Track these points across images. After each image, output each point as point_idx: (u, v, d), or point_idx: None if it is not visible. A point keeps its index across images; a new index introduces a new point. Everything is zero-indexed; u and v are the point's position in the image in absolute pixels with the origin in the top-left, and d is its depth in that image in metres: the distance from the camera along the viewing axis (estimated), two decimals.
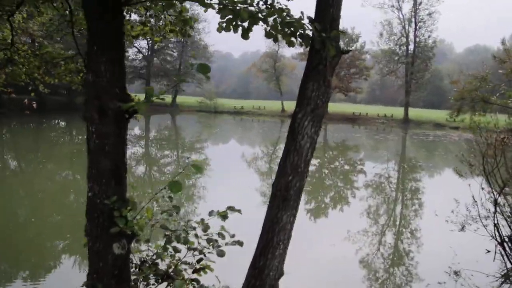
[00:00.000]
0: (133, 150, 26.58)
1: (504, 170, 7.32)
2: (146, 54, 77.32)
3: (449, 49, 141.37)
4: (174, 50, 79.87)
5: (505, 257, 7.63)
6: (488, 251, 8.25)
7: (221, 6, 3.18)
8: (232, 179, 17.67)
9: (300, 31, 3.48)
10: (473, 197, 7.75)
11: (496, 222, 7.41)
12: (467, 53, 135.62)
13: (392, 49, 63.72)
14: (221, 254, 4.04)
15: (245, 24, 3.32)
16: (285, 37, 3.45)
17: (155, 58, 79.03)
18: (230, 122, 57.43)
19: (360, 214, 12.69)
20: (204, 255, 4.07)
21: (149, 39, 73.93)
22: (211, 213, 4.11)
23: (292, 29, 3.43)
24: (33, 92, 7.63)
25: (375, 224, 11.94)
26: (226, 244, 4.13)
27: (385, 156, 30.01)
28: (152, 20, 6.02)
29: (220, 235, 4.13)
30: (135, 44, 75.33)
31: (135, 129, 41.86)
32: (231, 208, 4.09)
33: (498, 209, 7.34)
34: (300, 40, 3.58)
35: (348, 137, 42.73)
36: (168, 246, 3.95)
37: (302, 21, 3.47)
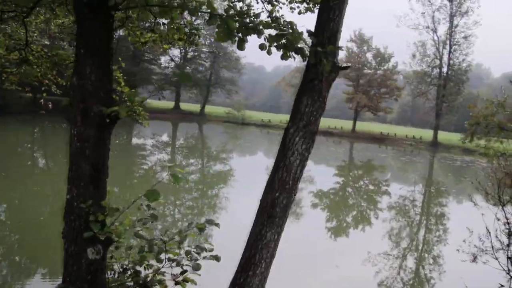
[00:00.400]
0: (159, 156, 26.86)
1: None
2: (179, 62, 78.33)
3: (486, 74, 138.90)
4: (206, 60, 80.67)
5: None
6: (502, 286, 7.86)
7: (210, 15, 3.18)
8: (253, 191, 17.59)
9: (299, 44, 3.41)
10: (486, 227, 7.46)
11: (509, 255, 7.00)
12: (504, 78, 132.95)
13: (424, 70, 62.79)
14: (196, 267, 3.92)
15: (240, 34, 3.28)
16: (279, 49, 3.38)
17: (188, 67, 79.99)
18: (256, 134, 57.49)
19: (382, 236, 12.47)
20: (182, 267, 3.97)
21: (182, 48, 75.51)
22: (189, 225, 4.07)
23: (284, 41, 3.36)
24: (45, 93, 7.75)
25: (396, 247, 11.70)
26: (204, 257, 4.05)
27: (411, 178, 29.50)
28: (162, 28, 6.03)
29: (198, 247, 4.04)
30: (168, 53, 76.64)
31: (163, 135, 42.38)
32: (209, 222, 4.05)
33: None
34: (296, 55, 3.51)
35: (374, 157, 42.19)
36: (146, 254, 3.84)
37: (301, 35, 3.42)
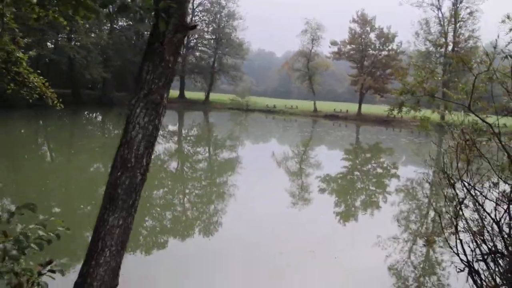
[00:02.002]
0: (166, 146, 26.91)
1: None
2: (181, 51, 77.93)
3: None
4: (209, 47, 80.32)
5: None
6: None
7: None
8: (261, 179, 17.69)
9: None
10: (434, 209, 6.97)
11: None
12: None
13: (429, 49, 61.99)
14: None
15: None
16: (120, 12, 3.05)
17: (190, 55, 79.72)
18: (260, 120, 57.39)
19: (391, 220, 12.41)
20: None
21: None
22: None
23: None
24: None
25: (405, 231, 11.66)
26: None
27: (417, 160, 29.35)
28: None
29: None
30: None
31: (169, 125, 42.37)
32: (26, 206, 2.98)
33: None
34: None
35: (380, 139, 41.98)
36: None
37: None
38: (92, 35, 52.77)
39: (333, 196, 15.76)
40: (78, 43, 47.82)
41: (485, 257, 5.37)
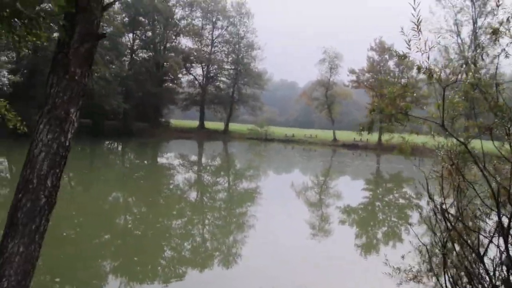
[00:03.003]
0: (186, 176, 26.96)
1: None
2: (201, 81, 79.08)
3: None
4: (228, 78, 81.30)
5: None
6: None
7: None
8: (281, 209, 17.51)
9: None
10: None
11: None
12: None
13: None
14: None
15: None
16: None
17: (210, 85, 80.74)
18: (279, 150, 57.27)
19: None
20: None
21: (204, 66, 76.35)
22: None
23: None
24: None
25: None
26: None
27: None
28: None
29: None
30: (191, 72, 77.69)
31: (189, 155, 42.65)
32: None
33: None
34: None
35: (401, 168, 41.36)
36: None
37: None
38: (112, 66, 53.90)
39: (354, 228, 15.48)
40: (97, 74, 48.95)
41: None
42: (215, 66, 79.60)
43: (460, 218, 4.93)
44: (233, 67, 79.96)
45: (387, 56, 66.47)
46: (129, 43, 65.21)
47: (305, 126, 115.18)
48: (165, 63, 65.53)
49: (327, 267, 10.16)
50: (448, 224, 4.96)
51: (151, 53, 67.54)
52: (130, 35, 65.36)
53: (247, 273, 9.63)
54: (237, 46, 78.40)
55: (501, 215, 4.52)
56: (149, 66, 65.25)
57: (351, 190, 24.88)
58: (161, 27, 67.32)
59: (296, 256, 10.97)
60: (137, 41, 67.54)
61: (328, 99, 70.93)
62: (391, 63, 66.71)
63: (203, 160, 40.13)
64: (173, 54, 68.60)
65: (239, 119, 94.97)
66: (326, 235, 13.90)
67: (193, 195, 20.76)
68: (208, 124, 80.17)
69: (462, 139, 4.72)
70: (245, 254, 11.05)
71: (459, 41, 60.32)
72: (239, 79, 78.84)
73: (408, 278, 5.20)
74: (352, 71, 69.14)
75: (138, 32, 66.98)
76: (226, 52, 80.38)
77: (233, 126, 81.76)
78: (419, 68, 4.46)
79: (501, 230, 4.48)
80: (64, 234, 11.79)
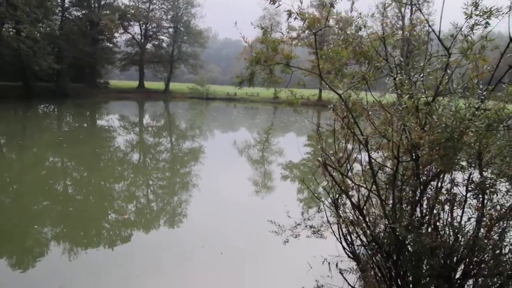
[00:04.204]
0: (127, 137, 26.45)
1: None
2: (140, 40, 76.55)
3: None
4: (168, 36, 79.18)
5: None
6: None
7: None
8: (225, 168, 17.69)
9: None
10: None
11: None
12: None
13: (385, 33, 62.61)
14: None
15: None
16: None
17: (149, 44, 78.40)
18: (221, 109, 57.14)
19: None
20: None
21: (142, 24, 73.76)
22: None
23: None
24: None
25: None
26: None
27: None
28: None
29: None
30: (128, 30, 74.91)
31: (132, 117, 41.71)
32: None
33: None
34: None
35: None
36: None
37: None
38: (40, 25, 51.01)
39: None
40: (23, 33, 46.20)
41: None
42: (154, 24, 77.11)
43: (342, 172, 4.99)
44: (172, 25, 77.81)
45: (326, 13, 66.56)
46: (59, 0, 61.57)
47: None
48: (100, 22, 62.62)
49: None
50: (330, 178, 5.06)
51: (84, 11, 64.24)
52: None
53: (193, 231, 9.76)
54: (176, 3, 76.08)
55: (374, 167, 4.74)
56: (82, 24, 62.19)
57: (289, 146, 25.37)
58: None
59: (238, 212, 11.21)
60: None
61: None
62: (331, 21, 66.98)
63: (144, 121, 39.41)
64: (108, 12, 65.62)
65: (183, 79, 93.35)
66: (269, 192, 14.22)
67: (135, 157, 20.46)
68: (149, 84, 78.35)
69: (340, 91, 4.71)
70: (190, 213, 11.16)
71: None
72: (178, 38, 77.00)
73: (295, 235, 5.35)
74: (292, 29, 69.01)
75: None
76: (165, 10, 77.89)
77: (173, 85, 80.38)
78: (289, 13, 4.45)
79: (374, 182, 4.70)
80: (0, 202, 11.40)
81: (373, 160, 4.74)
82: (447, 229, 4.47)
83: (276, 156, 21.42)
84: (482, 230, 4.19)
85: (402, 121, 4.17)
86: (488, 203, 4.24)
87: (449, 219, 4.49)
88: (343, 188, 4.89)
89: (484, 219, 4.17)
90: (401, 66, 4.57)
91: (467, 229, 4.24)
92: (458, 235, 4.26)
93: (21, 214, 10.61)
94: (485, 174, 4.25)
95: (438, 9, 59.22)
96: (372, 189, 4.74)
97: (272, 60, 4.63)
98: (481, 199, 4.23)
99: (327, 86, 4.71)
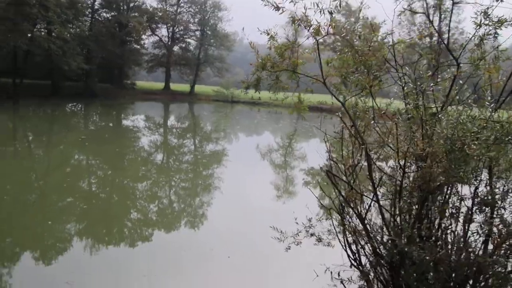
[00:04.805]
0: (151, 138, 26.73)
1: None
2: (167, 42, 77.39)
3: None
4: (194, 39, 79.84)
5: None
6: None
7: None
8: (248, 172, 17.70)
9: None
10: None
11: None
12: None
13: (413, 40, 61.59)
14: None
15: None
16: None
17: (176, 47, 79.22)
18: (245, 113, 57.28)
19: None
20: None
21: (169, 27, 74.60)
22: None
23: None
24: None
25: None
26: None
27: None
28: None
29: None
30: (156, 33, 75.80)
31: (155, 117, 42.18)
32: None
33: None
34: None
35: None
36: None
37: None
38: (71, 25, 52.07)
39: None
40: (54, 34, 47.20)
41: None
42: (181, 27, 77.90)
43: (349, 180, 4.91)
44: (199, 28, 78.45)
45: (353, 19, 66.32)
46: (89, 2, 62.75)
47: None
48: (128, 24, 63.56)
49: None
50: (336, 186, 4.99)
51: (113, 13, 65.33)
52: None
53: (214, 233, 9.80)
54: (203, 6, 76.71)
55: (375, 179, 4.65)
56: (111, 26, 63.24)
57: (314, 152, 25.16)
58: None
59: (260, 216, 11.20)
60: (99, 0, 65.05)
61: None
62: (357, 26, 66.35)
63: (169, 122, 39.80)
64: (136, 14, 66.57)
65: (209, 81, 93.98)
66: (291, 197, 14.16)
67: (159, 157, 20.67)
68: (175, 86, 79.10)
69: (341, 98, 4.68)
70: (212, 215, 11.20)
71: (425, 4, 59.99)
72: (205, 41, 77.56)
73: (296, 243, 5.29)
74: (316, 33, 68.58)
75: None
76: (192, 13, 78.59)
77: (199, 88, 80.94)
78: (293, 20, 4.37)
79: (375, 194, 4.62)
80: (27, 199, 11.66)
81: (378, 169, 4.68)
82: (450, 243, 4.33)
83: (298, 162, 21.35)
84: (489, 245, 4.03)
85: (406, 131, 4.10)
86: (497, 218, 4.02)
87: (454, 233, 4.35)
88: (345, 197, 4.82)
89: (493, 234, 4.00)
90: (408, 75, 4.48)
91: (473, 245, 4.10)
92: (463, 251, 4.11)
93: (45, 210, 10.83)
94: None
95: (467, 17, 57.98)
96: (374, 199, 4.66)
97: (278, 66, 4.59)
98: (488, 213, 4.05)
99: (336, 93, 4.68)
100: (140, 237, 9.38)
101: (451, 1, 5.64)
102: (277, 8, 4.23)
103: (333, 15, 4.30)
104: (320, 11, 4.07)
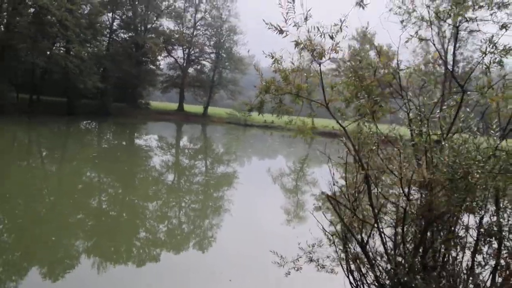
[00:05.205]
0: (163, 158, 26.80)
1: None
2: (182, 64, 78.30)
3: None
4: (209, 61, 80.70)
5: None
6: None
7: None
8: (259, 194, 17.61)
9: None
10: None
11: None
12: None
13: (427, 68, 61.73)
14: None
15: None
16: None
17: (191, 68, 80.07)
18: (258, 136, 57.35)
19: None
20: None
21: (185, 49, 75.57)
22: None
23: None
24: None
25: None
26: None
27: None
28: None
29: None
30: (172, 54, 76.79)
31: (168, 137, 42.38)
32: None
33: None
34: None
35: None
36: None
37: None
38: (88, 45, 53.10)
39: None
40: (72, 52, 48.17)
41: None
42: (197, 50, 78.87)
43: (350, 207, 4.86)
44: (214, 51, 79.36)
45: (367, 46, 66.59)
46: (108, 22, 64.04)
47: (285, 113, 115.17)
48: (145, 45, 64.55)
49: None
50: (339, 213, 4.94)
51: (131, 34, 66.51)
52: (110, 14, 64.17)
53: (222, 257, 9.70)
54: (219, 30, 77.73)
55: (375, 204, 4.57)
56: (128, 46, 64.28)
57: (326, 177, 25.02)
58: (143, 8, 66.30)
59: (270, 240, 11.07)
60: (118, 21, 66.40)
61: (308, 87, 70.74)
62: (372, 53, 66.80)
63: (181, 143, 39.96)
64: (153, 36, 67.66)
65: (222, 103, 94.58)
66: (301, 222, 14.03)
67: (170, 177, 20.68)
68: (188, 107, 79.68)
69: (342, 123, 4.70)
70: (221, 238, 11.11)
71: (440, 33, 60.00)
72: (220, 63, 78.36)
73: (296, 268, 5.23)
74: (333, 60, 68.97)
75: (119, 12, 65.83)
76: (208, 36, 79.65)
77: (212, 110, 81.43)
78: (297, 43, 4.38)
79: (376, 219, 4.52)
80: (36, 213, 11.67)
81: (382, 195, 4.61)
82: (456, 274, 4.21)
83: (309, 186, 21.20)
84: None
85: (409, 159, 4.05)
86: (504, 250, 3.89)
87: (460, 264, 4.22)
88: (346, 223, 4.75)
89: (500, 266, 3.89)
90: (413, 101, 4.45)
91: (480, 277, 3.97)
92: (469, 283, 3.98)
93: (56, 226, 10.83)
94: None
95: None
96: (375, 226, 4.57)
97: (282, 89, 4.63)
98: (494, 244, 3.93)
99: (341, 117, 4.67)
100: (148, 257, 9.32)
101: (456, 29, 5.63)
102: (281, 31, 4.27)
103: (334, 39, 4.30)
104: (321, 35, 4.08)
